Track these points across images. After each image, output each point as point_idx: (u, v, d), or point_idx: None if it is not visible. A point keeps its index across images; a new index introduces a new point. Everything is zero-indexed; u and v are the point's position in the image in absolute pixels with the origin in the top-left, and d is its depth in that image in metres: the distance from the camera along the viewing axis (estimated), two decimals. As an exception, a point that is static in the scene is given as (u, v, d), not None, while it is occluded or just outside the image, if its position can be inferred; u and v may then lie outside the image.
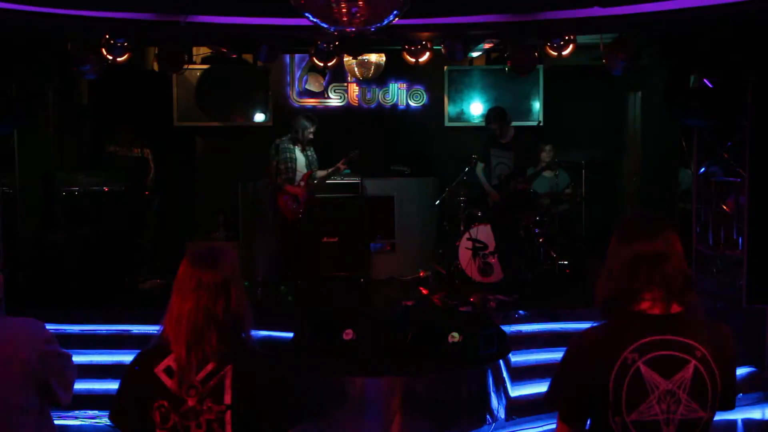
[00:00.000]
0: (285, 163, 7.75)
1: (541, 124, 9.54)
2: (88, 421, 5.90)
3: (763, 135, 6.52)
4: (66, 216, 7.93)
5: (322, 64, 8.13)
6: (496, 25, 6.98)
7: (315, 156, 7.99)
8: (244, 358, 2.39)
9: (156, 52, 7.84)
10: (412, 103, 10.14)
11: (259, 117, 9.71)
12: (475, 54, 9.22)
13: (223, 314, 2.36)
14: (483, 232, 8.27)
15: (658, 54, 7.04)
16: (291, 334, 6.11)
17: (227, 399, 2.33)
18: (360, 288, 8.56)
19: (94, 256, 7.52)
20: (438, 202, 8.87)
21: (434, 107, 10.07)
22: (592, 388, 2.24)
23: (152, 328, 6.81)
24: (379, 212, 8.97)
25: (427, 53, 7.66)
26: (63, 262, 7.56)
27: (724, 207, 7.22)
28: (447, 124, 9.98)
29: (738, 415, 5.82)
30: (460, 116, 9.96)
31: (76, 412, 5.90)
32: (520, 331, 6.82)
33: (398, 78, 9.97)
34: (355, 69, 8.91)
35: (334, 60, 8.13)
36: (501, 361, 6.07)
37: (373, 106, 10.08)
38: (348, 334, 5.83)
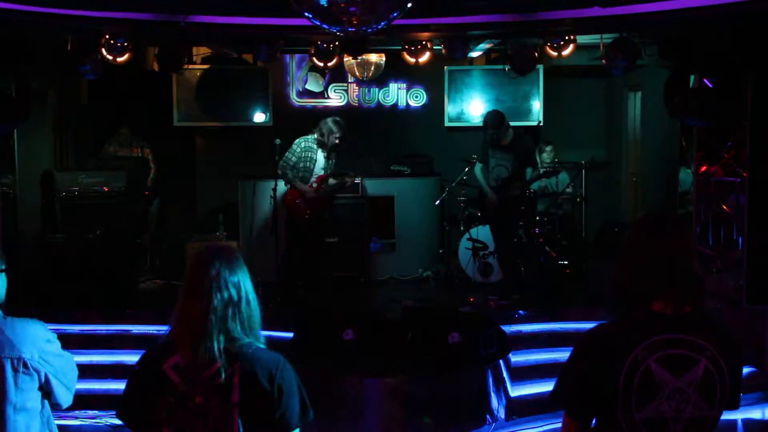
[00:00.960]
0: (304, 162, 7.63)
1: (541, 124, 9.54)
2: (88, 421, 5.89)
3: (763, 135, 6.52)
4: (66, 216, 7.92)
5: (322, 64, 8.12)
6: (496, 25, 6.98)
7: (333, 163, 7.87)
8: (252, 356, 2.40)
9: (156, 52, 7.84)
10: (412, 103, 10.15)
11: (259, 117, 9.71)
12: (475, 54, 9.23)
13: (231, 315, 2.39)
14: (483, 233, 8.28)
15: (658, 54, 7.03)
16: (291, 334, 6.11)
17: (235, 397, 2.35)
18: (360, 288, 8.56)
19: (94, 256, 7.51)
20: (438, 202, 8.87)
21: (434, 107, 10.07)
22: (601, 385, 2.24)
23: (152, 328, 6.83)
24: (379, 212, 8.97)
25: (427, 53, 7.66)
26: (63, 262, 7.55)
27: (724, 207, 7.22)
28: (447, 124, 9.98)
29: (738, 415, 5.82)
30: (460, 116, 9.95)
31: (76, 412, 5.89)
32: (520, 331, 6.82)
33: (398, 78, 9.98)
34: (355, 69, 8.91)
35: (334, 60, 8.12)
36: (501, 361, 6.07)
37: (373, 106, 10.09)
38: (348, 334, 5.83)
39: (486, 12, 6.52)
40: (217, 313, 2.37)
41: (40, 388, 2.79)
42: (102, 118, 9.55)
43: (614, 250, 2.41)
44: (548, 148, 9.04)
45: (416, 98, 10.14)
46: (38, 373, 2.76)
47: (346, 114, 9.83)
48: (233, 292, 2.40)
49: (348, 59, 8.68)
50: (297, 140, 7.65)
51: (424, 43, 7.60)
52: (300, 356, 5.82)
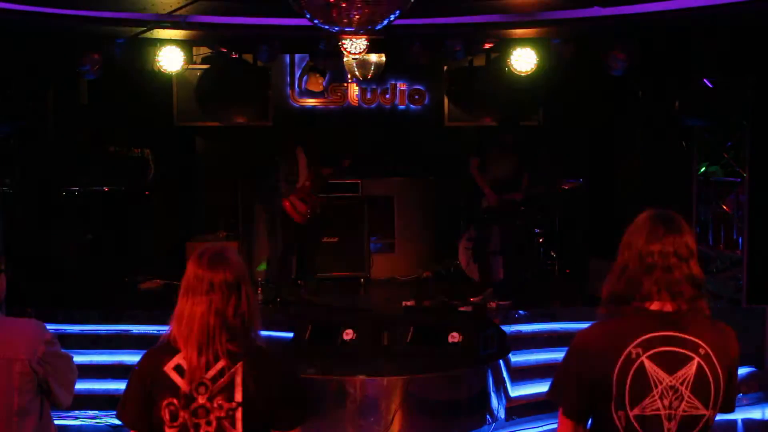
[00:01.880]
0: (290, 166, 7.68)
1: (541, 124, 9.53)
2: (88, 421, 5.89)
3: (763, 135, 6.53)
4: (66, 216, 7.93)
5: (322, 64, 8.12)
6: (496, 25, 6.98)
7: (317, 156, 7.91)
8: (254, 355, 2.41)
9: (156, 52, 7.83)
10: (412, 103, 10.14)
11: (259, 117, 9.70)
12: (475, 54, 9.22)
13: (234, 314, 2.39)
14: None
15: (658, 54, 7.03)
16: (291, 334, 6.11)
17: (238, 396, 2.35)
18: (360, 288, 8.56)
19: (94, 256, 7.52)
20: (438, 202, 8.87)
21: (434, 107, 10.06)
22: (596, 383, 2.25)
23: (152, 328, 6.82)
24: (379, 212, 8.97)
25: (428, 53, 7.66)
26: (63, 262, 7.55)
27: (724, 207, 7.22)
28: (447, 124, 9.97)
29: (738, 415, 5.82)
30: (460, 116, 9.94)
31: (76, 412, 5.90)
32: (520, 331, 6.83)
33: (398, 78, 9.96)
34: (355, 69, 8.90)
35: (334, 60, 8.12)
36: (501, 361, 6.07)
37: (373, 106, 10.07)
38: (348, 334, 5.83)
39: (486, 12, 6.52)
40: (218, 313, 2.37)
41: (40, 389, 2.78)
42: (102, 118, 9.55)
43: (614, 250, 2.40)
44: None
45: (416, 98, 10.13)
46: (38, 373, 2.75)
47: (346, 114, 9.85)
48: (234, 290, 2.40)
49: (348, 59, 8.67)
50: (278, 152, 7.74)
51: (423, 42, 7.60)
52: (300, 356, 5.82)
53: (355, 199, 8.75)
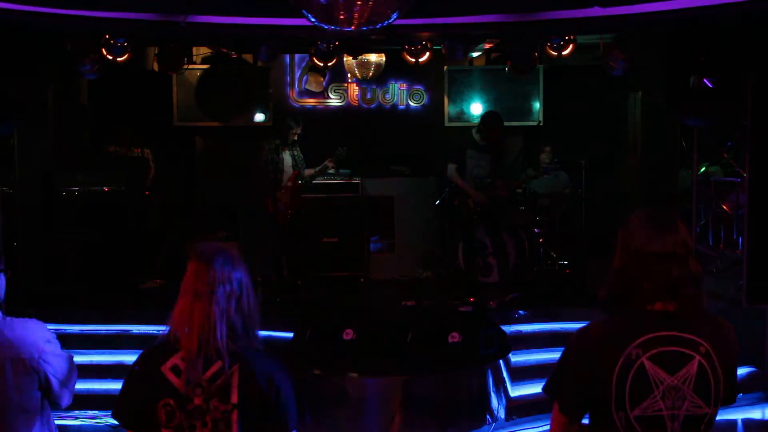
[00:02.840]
0: (273, 164, 7.73)
1: (541, 124, 9.54)
2: (88, 421, 5.89)
3: (763, 135, 6.52)
4: (66, 216, 7.92)
5: (322, 64, 8.13)
6: (496, 25, 6.98)
7: (301, 156, 7.95)
8: (251, 357, 2.40)
9: (156, 52, 7.84)
10: (412, 103, 10.14)
11: (259, 117, 9.71)
12: (475, 54, 9.23)
13: (232, 314, 2.39)
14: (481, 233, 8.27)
15: (658, 54, 7.04)
16: (291, 334, 6.11)
17: (234, 398, 2.34)
18: (360, 288, 8.56)
19: (94, 256, 7.52)
20: (438, 202, 8.87)
21: (434, 107, 10.06)
22: (594, 382, 2.24)
23: (152, 328, 6.81)
24: (379, 212, 8.97)
25: (427, 53, 7.67)
26: (63, 262, 7.55)
27: (724, 207, 7.22)
28: (447, 124, 9.98)
29: (738, 415, 5.82)
30: (460, 116, 9.95)
31: (76, 412, 5.89)
32: (520, 331, 6.82)
33: (398, 78, 9.97)
34: (355, 69, 8.91)
35: (334, 60, 8.13)
36: (501, 361, 6.06)
37: (373, 106, 10.08)
38: (348, 334, 5.83)
39: (486, 12, 6.52)
40: (217, 313, 2.36)
41: (40, 388, 2.79)
42: (102, 118, 9.55)
43: (614, 250, 2.39)
44: (547, 149, 9.04)
45: (416, 98, 10.14)
46: (38, 373, 2.76)
47: (346, 114, 9.86)
48: (235, 287, 2.39)
49: (348, 59, 8.68)
50: (259, 148, 7.78)
51: (424, 43, 7.60)
52: (300, 356, 5.82)
53: (355, 199, 8.75)
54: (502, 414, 5.83)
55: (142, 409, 2.38)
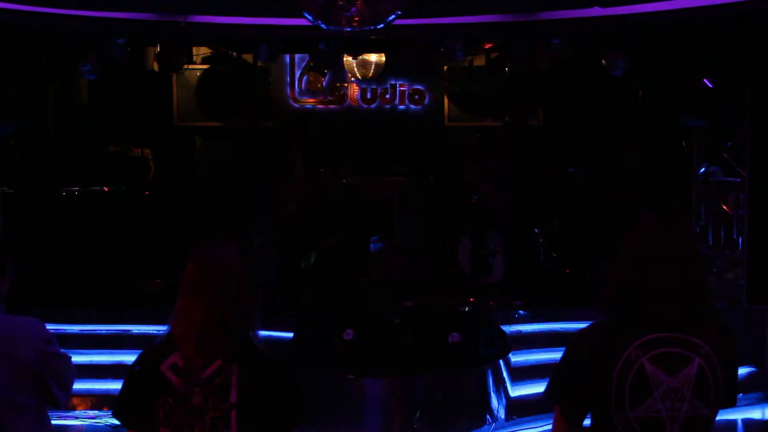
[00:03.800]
0: (286, 165, 7.70)
1: (541, 124, 9.53)
2: (88, 421, 5.89)
3: (763, 135, 6.52)
4: (66, 216, 7.93)
5: (322, 64, 8.13)
6: (496, 25, 6.98)
7: (314, 156, 7.92)
8: (251, 356, 2.40)
9: (156, 52, 7.84)
10: (412, 103, 10.15)
11: (259, 117, 9.70)
12: (475, 54, 9.22)
13: (232, 313, 2.39)
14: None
15: (658, 54, 7.03)
16: (291, 334, 6.12)
17: (233, 397, 2.34)
18: (360, 288, 8.56)
19: (94, 256, 7.52)
20: (438, 202, 8.87)
21: (434, 107, 10.06)
22: (595, 384, 2.24)
23: (152, 328, 6.82)
24: (378, 212, 8.97)
25: (427, 53, 7.65)
26: (63, 262, 7.55)
27: (724, 207, 7.22)
28: (447, 124, 9.98)
29: (738, 415, 5.82)
30: (460, 116, 9.95)
31: (76, 412, 5.90)
32: (520, 331, 6.83)
33: (398, 78, 9.97)
34: (355, 69, 8.91)
35: (334, 60, 8.13)
36: (501, 361, 6.07)
37: (373, 106, 10.08)
38: (348, 334, 5.83)
39: (486, 12, 6.52)
40: (216, 312, 2.37)
41: (37, 388, 2.79)
42: (102, 118, 9.55)
43: (614, 250, 2.39)
44: (548, 149, 9.04)
45: (416, 98, 10.14)
46: (35, 372, 2.75)
47: (346, 114, 9.86)
48: (233, 290, 2.40)
49: (348, 59, 8.68)
50: (279, 148, 7.78)
51: (424, 43, 7.60)
52: (300, 356, 5.82)
53: (355, 200, 8.75)
54: (502, 414, 5.84)
55: (142, 408, 2.38)
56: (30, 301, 6.74)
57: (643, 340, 2.23)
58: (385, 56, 8.82)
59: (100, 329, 6.88)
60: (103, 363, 6.40)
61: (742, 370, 6.44)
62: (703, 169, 7.42)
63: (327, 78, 9.87)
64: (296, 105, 10.01)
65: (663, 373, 2.22)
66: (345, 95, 10.04)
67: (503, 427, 5.77)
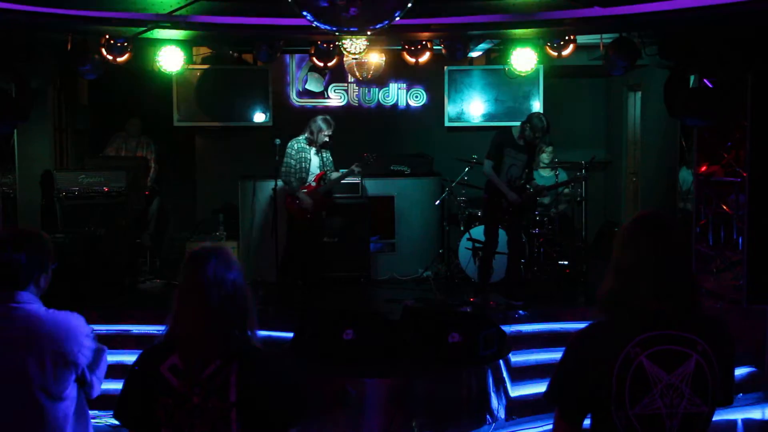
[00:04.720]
0: (300, 163, 7.65)
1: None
2: (88, 421, 5.89)
3: (763, 135, 6.53)
4: (66, 216, 7.92)
5: (322, 64, 8.13)
6: (496, 25, 6.98)
7: (330, 158, 7.86)
8: (249, 356, 2.41)
9: (156, 52, 7.83)
10: (412, 103, 10.15)
11: (259, 117, 9.71)
12: (475, 54, 9.23)
13: (229, 313, 2.39)
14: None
15: (658, 54, 7.03)
16: (291, 334, 6.11)
17: (232, 396, 2.35)
18: (360, 288, 8.56)
19: (94, 255, 7.51)
20: (438, 202, 8.88)
21: (434, 107, 10.07)
22: (594, 384, 2.25)
23: (152, 328, 6.81)
24: (379, 212, 8.97)
25: (427, 53, 7.66)
26: (63, 263, 7.52)
27: (724, 207, 7.22)
28: (447, 124, 9.98)
29: (738, 415, 5.81)
30: (460, 116, 9.95)
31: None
32: (520, 331, 6.82)
33: (398, 78, 9.98)
34: (355, 69, 8.91)
35: (334, 60, 8.13)
36: (501, 361, 6.06)
37: (373, 106, 10.09)
38: (348, 334, 5.82)
39: (486, 12, 6.52)
40: (214, 313, 2.37)
41: (77, 380, 2.92)
42: (102, 118, 9.55)
43: (612, 250, 2.40)
44: (549, 149, 9.03)
45: (416, 98, 10.14)
46: (77, 366, 2.88)
47: (346, 114, 9.86)
48: (230, 289, 2.40)
49: (348, 59, 8.68)
50: (290, 143, 7.65)
51: (424, 43, 7.60)
52: (300, 356, 5.82)
53: (355, 199, 8.75)
54: (502, 414, 5.83)
55: (143, 408, 2.39)
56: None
57: (642, 337, 2.25)
58: (385, 56, 8.83)
59: (100, 329, 6.86)
60: (103, 363, 6.39)
61: (742, 371, 6.43)
62: (703, 169, 7.42)
63: (327, 78, 9.88)
64: (296, 105, 10.01)
65: (661, 370, 2.24)
66: (345, 95, 10.04)
67: (503, 427, 5.77)
